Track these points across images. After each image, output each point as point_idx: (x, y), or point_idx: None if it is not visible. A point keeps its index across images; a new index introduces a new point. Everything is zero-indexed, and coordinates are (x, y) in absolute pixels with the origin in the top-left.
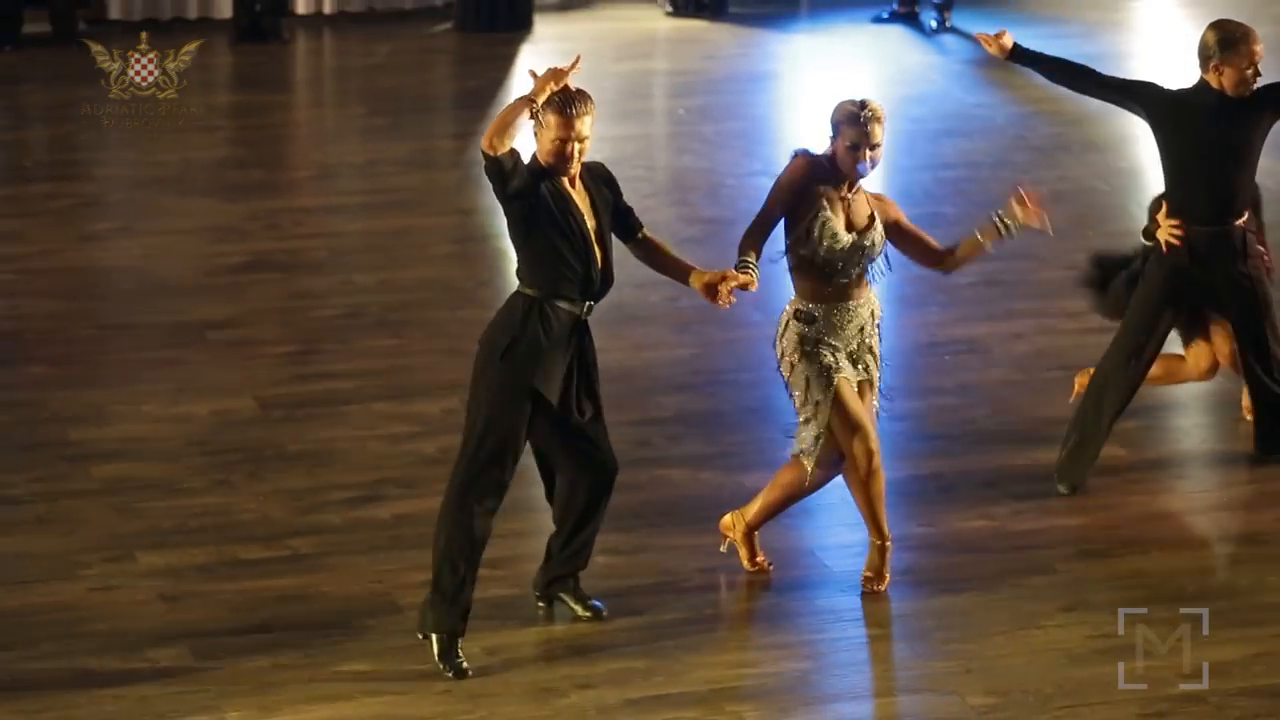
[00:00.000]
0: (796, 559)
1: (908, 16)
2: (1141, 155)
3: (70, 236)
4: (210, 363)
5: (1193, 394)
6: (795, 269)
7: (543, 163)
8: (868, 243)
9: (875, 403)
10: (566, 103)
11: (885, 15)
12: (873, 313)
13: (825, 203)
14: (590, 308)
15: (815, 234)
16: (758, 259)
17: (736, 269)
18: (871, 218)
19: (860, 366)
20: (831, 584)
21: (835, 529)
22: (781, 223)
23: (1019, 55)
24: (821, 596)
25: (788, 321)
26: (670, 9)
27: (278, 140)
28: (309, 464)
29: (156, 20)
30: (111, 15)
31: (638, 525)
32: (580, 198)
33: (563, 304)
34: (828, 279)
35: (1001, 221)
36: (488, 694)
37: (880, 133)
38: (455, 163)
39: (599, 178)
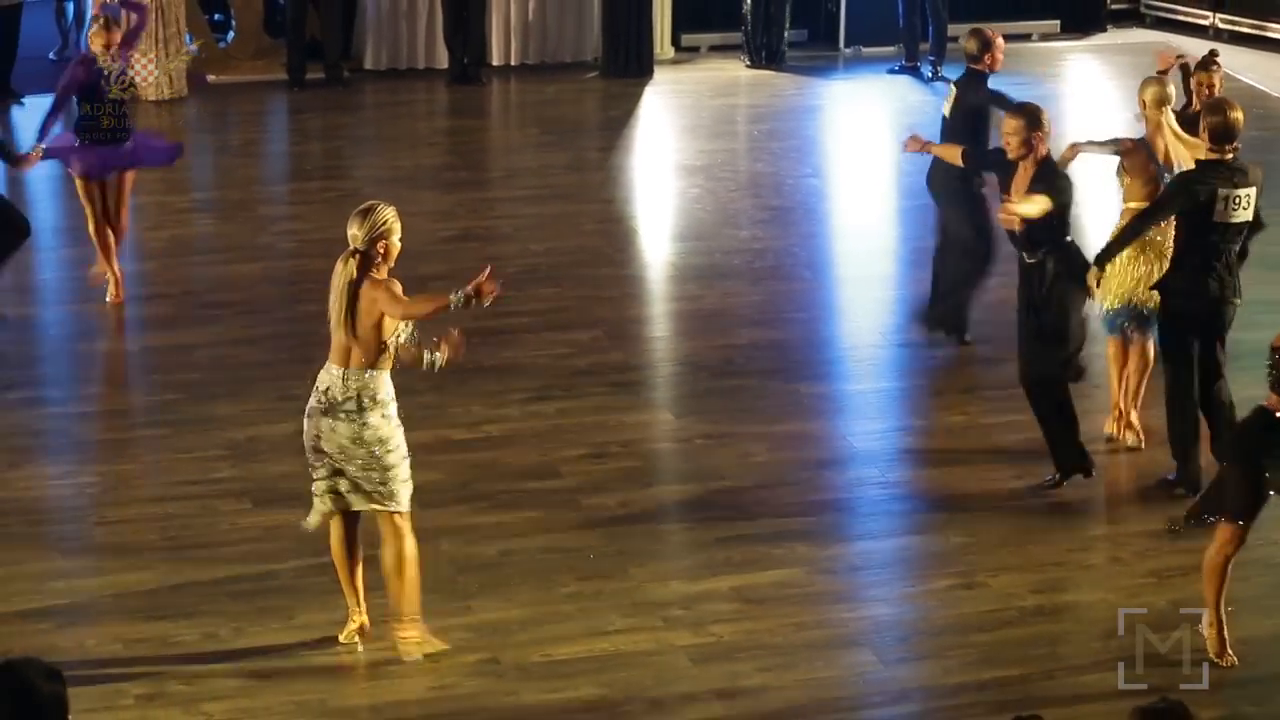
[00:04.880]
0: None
1: (911, 69)
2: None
3: (336, 217)
4: None
5: None
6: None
7: None
8: None
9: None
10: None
11: (896, 68)
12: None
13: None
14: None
15: None
16: None
17: None
18: None
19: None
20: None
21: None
22: None
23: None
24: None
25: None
26: (749, 62)
27: (478, 151)
28: (498, 373)
29: (396, 69)
30: (366, 65)
31: (723, 418)
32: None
33: None
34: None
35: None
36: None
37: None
38: (600, 167)
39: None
